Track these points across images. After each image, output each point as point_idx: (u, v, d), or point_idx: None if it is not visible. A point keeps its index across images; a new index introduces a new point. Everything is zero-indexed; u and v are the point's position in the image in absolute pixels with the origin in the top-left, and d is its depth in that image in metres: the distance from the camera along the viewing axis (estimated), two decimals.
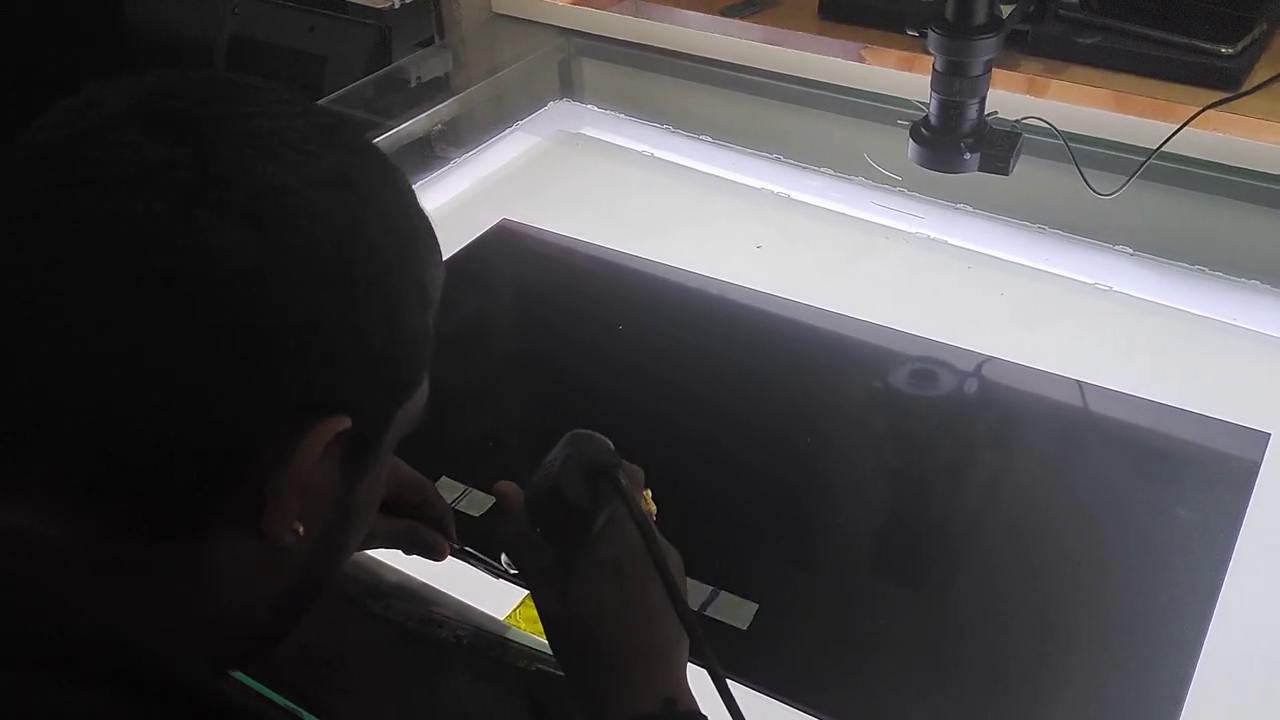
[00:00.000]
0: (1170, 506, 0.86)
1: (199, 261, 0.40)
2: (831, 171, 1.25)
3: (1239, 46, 1.05)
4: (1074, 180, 1.02)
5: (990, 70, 0.91)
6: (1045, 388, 0.99)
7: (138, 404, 0.41)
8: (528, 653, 0.72)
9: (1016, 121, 0.97)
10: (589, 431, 0.61)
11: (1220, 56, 1.05)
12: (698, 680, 0.60)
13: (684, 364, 1.03)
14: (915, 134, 0.96)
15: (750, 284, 1.11)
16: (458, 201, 1.25)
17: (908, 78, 1.16)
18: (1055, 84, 1.09)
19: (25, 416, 0.41)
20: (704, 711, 0.59)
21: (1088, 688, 0.74)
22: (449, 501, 0.73)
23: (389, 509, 0.66)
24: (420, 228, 0.49)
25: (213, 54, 1.65)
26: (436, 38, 1.50)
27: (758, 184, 1.25)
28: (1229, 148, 1.06)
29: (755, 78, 1.32)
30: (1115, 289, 1.08)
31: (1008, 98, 1.05)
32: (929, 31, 0.90)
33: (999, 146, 0.94)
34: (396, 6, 1.50)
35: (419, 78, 1.43)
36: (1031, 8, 1.09)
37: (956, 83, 0.91)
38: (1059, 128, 0.99)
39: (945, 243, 1.15)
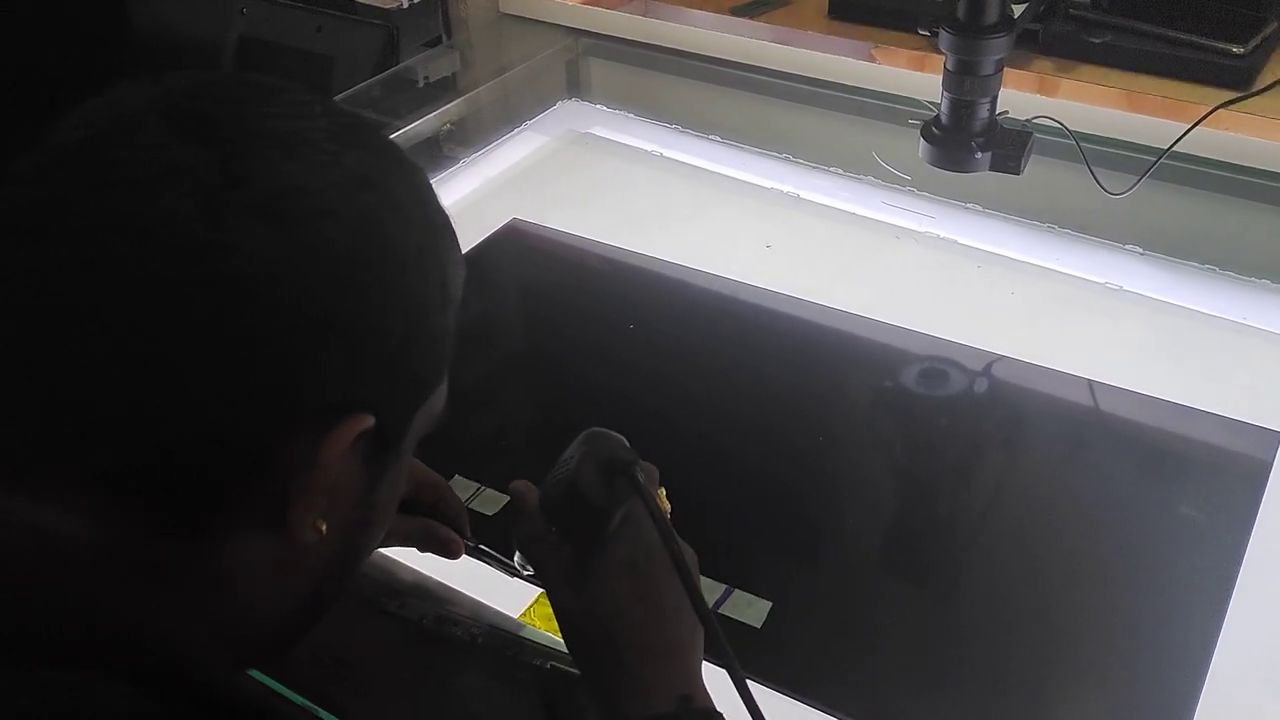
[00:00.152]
0: (1181, 506, 0.86)
1: (223, 261, 0.40)
2: (841, 171, 1.25)
3: (1250, 46, 1.05)
4: (1084, 179, 1.02)
5: (1002, 69, 0.91)
6: (1055, 387, 0.99)
7: (161, 403, 0.41)
8: (543, 651, 0.72)
9: (1027, 121, 0.97)
10: (605, 430, 0.61)
11: (1231, 56, 1.05)
12: (712, 677, 0.60)
13: (694, 363, 1.03)
14: (926, 133, 0.96)
15: (760, 283, 1.11)
16: (467, 201, 1.25)
17: (918, 77, 1.16)
18: (1066, 83, 1.09)
19: (50, 416, 0.42)
20: (719, 709, 0.59)
21: (1100, 688, 0.74)
22: (463, 500, 0.73)
23: (404, 508, 0.67)
24: (440, 226, 0.49)
25: (220, 55, 1.65)
26: (444, 38, 1.50)
27: (767, 183, 1.25)
28: (1240, 147, 1.06)
29: (765, 77, 1.33)
30: (1126, 288, 1.08)
31: (1019, 97, 1.05)
32: (940, 31, 0.90)
33: (1010, 146, 0.94)
34: (404, 7, 1.50)
35: (427, 78, 1.43)
36: (1043, 7, 1.09)
37: (968, 82, 0.91)
38: (1070, 127, 0.99)
39: (955, 242, 1.15)
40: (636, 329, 1.07)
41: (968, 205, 1.18)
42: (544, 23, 1.46)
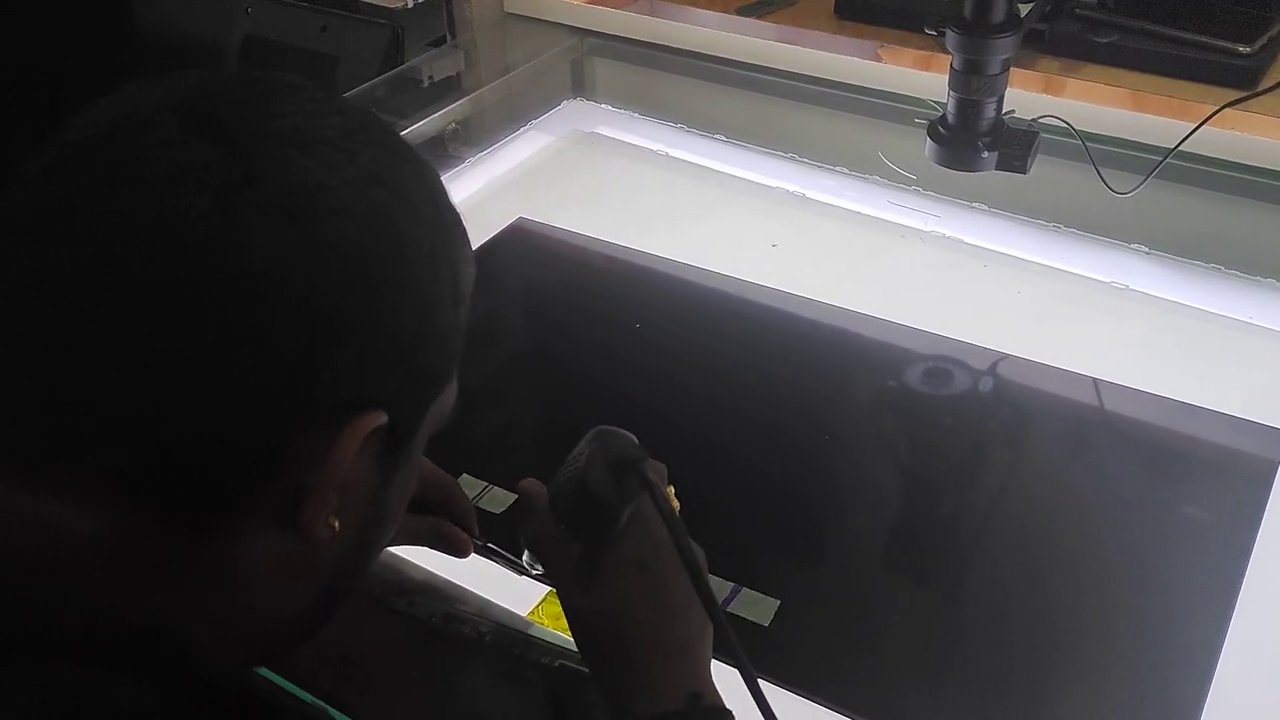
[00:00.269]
0: (1187, 505, 0.86)
1: (236, 259, 0.41)
2: (847, 170, 1.25)
3: (1256, 45, 1.05)
4: (1090, 179, 1.02)
5: (1008, 69, 0.91)
6: (1061, 386, 0.99)
7: (173, 401, 0.41)
8: (551, 649, 0.72)
9: (1033, 120, 0.97)
10: (613, 427, 0.62)
11: (1238, 55, 1.05)
12: (721, 674, 0.60)
13: (700, 362, 1.03)
14: (933, 132, 0.96)
15: (766, 282, 1.11)
16: (472, 201, 1.25)
17: (924, 77, 1.16)
18: (1072, 83, 1.09)
19: (60, 415, 0.42)
20: (728, 706, 0.59)
21: (1106, 688, 0.74)
22: (470, 498, 0.73)
23: (413, 506, 0.66)
24: (452, 224, 0.49)
25: (225, 55, 1.65)
26: (449, 37, 1.50)
27: (773, 183, 1.25)
28: (1246, 146, 1.06)
29: (770, 77, 1.33)
30: (1132, 288, 1.08)
31: (1025, 96, 1.05)
32: (947, 30, 0.90)
33: (1017, 145, 0.94)
34: (409, 6, 1.50)
35: (431, 77, 1.43)
36: (1049, 7, 1.09)
37: (974, 81, 0.91)
38: (1076, 126, 0.99)
39: (961, 241, 1.15)
40: (642, 328, 1.07)
41: (974, 205, 1.18)
42: (549, 22, 1.47)
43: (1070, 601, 0.79)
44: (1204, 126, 1.01)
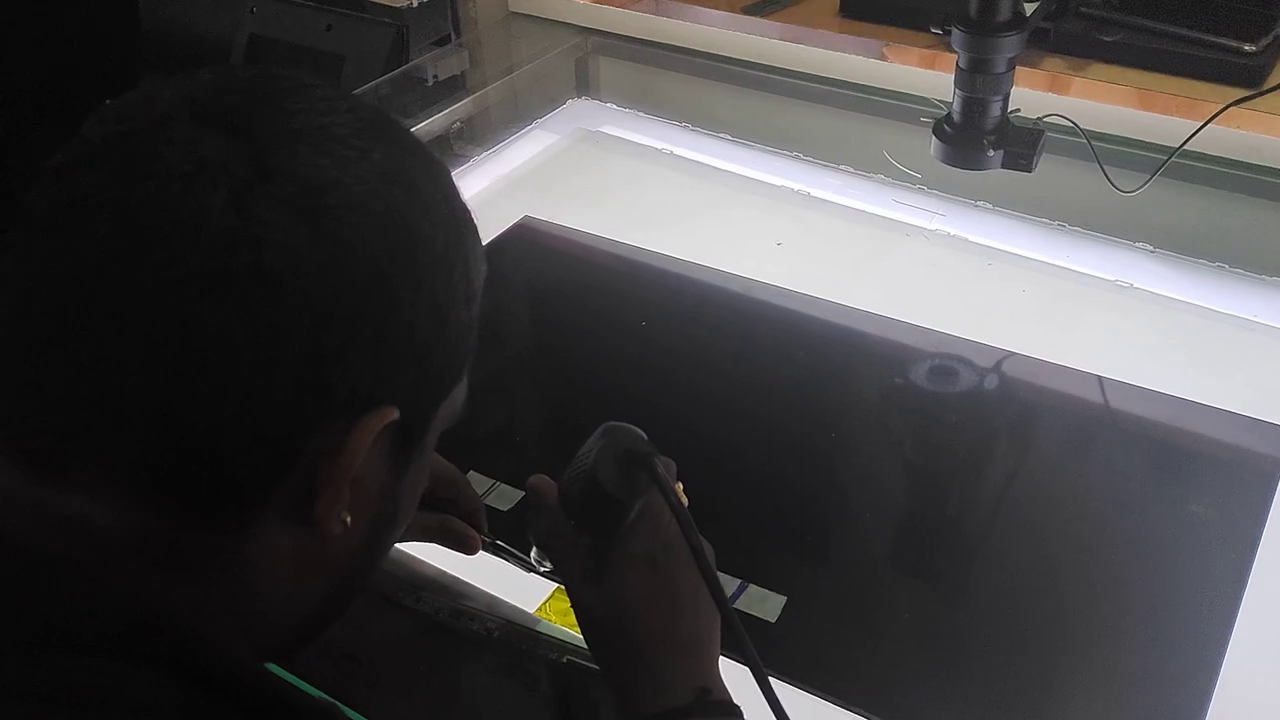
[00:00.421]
0: (1192, 503, 0.86)
1: (251, 255, 0.41)
2: (852, 169, 1.25)
3: (1261, 44, 1.05)
4: (1095, 177, 1.02)
5: (1014, 67, 0.92)
6: (1066, 384, 0.99)
7: (190, 396, 0.41)
8: (558, 645, 0.72)
9: (1038, 119, 0.97)
10: (623, 423, 0.62)
11: (1242, 54, 1.05)
12: (728, 670, 0.61)
13: (705, 360, 1.03)
14: (938, 131, 0.96)
15: (770, 280, 1.11)
16: (478, 200, 1.25)
17: (929, 76, 1.16)
18: (1077, 81, 1.09)
19: (80, 409, 0.42)
20: (736, 701, 0.59)
21: (1113, 685, 0.74)
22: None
23: (423, 503, 0.66)
24: (464, 221, 0.49)
25: (230, 53, 1.66)
26: (453, 36, 1.51)
27: (778, 181, 1.26)
28: (1250, 145, 1.06)
29: (775, 76, 1.33)
30: (1136, 286, 1.08)
31: (1030, 95, 1.06)
32: (952, 29, 0.90)
33: (1022, 144, 0.94)
34: (414, 5, 1.50)
35: (436, 76, 1.44)
36: (1054, 5, 1.09)
37: (980, 80, 0.91)
38: (1081, 125, 1.00)
39: (966, 240, 1.16)
40: (647, 326, 1.07)
41: (978, 203, 1.18)
42: (553, 21, 1.47)
43: (1076, 598, 0.80)
44: (1209, 125, 1.02)
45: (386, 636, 0.75)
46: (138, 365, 0.41)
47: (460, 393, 0.51)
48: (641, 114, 1.39)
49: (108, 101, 0.46)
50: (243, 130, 0.43)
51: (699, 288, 1.12)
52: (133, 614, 0.43)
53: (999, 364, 1.02)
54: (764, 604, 0.78)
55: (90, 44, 1.78)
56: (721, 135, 1.33)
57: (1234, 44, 1.06)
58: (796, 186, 1.25)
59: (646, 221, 1.21)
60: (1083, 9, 1.12)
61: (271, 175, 0.42)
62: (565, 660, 0.72)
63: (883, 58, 1.20)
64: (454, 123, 1.38)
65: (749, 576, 0.80)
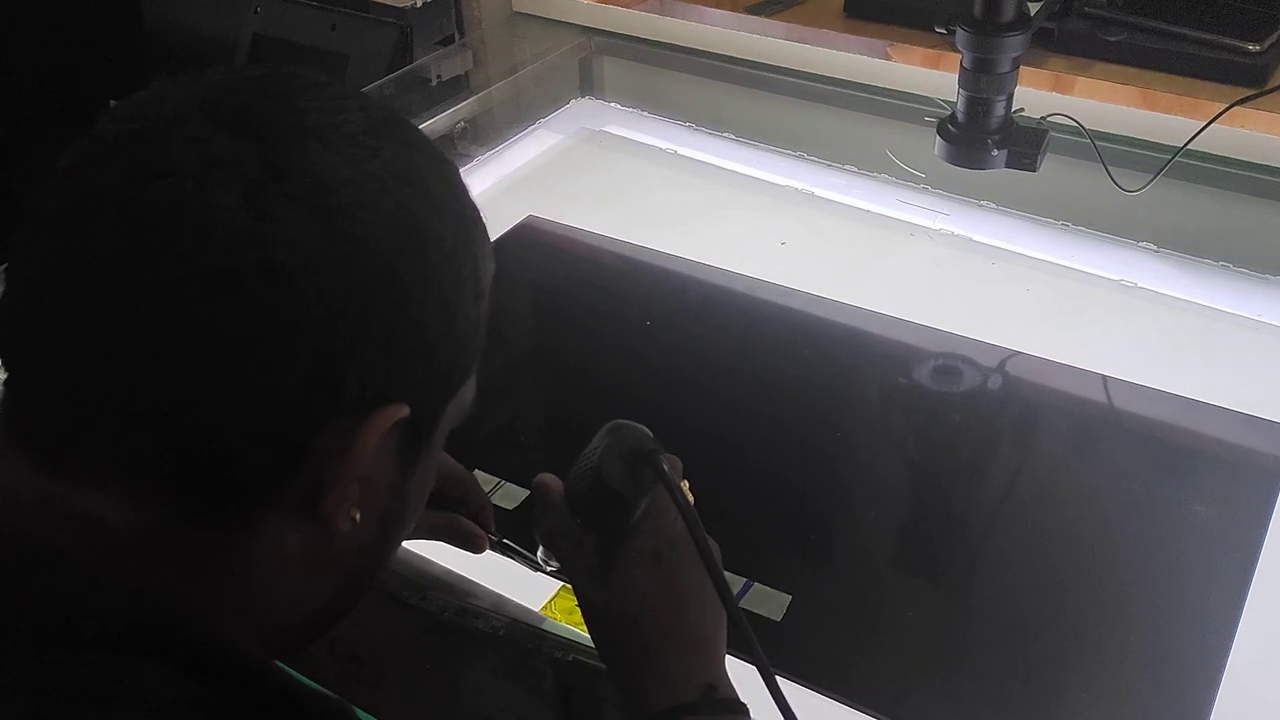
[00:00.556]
0: (1196, 502, 0.86)
1: (263, 252, 0.41)
2: (856, 169, 1.25)
3: (1266, 44, 1.05)
4: (1099, 177, 1.02)
5: (1018, 67, 0.92)
6: (1070, 383, 0.99)
7: (201, 392, 0.41)
8: (564, 644, 0.72)
9: (1042, 118, 0.97)
10: (628, 421, 0.62)
11: (1246, 54, 1.05)
12: (734, 666, 0.61)
13: (709, 359, 1.03)
14: (943, 130, 0.96)
15: (774, 280, 1.11)
16: (482, 199, 1.22)
17: (933, 75, 1.16)
18: (1081, 81, 1.09)
19: (91, 406, 0.42)
20: (742, 699, 0.59)
21: (1117, 684, 0.74)
22: None
23: (430, 501, 0.67)
24: (473, 219, 0.49)
25: (234, 53, 1.66)
26: (457, 36, 1.51)
27: (781, 181, 1.26)
28: (1255, 145, 1.06)
29: (779, 76, 1.33)
30: (1140, 285, 1.08)
31: (1034, 95, 1.06)
32: (957, 29, 0.91)
33: (1026, 143, 0.94)
34: (417, 5, 1.50)
35: (439, 76, 1.44)
36: (1058, 5, 1.09)
37: (984, 80, 0.92)
38: (1085, 125, 1.00)
39: (970, 239, 1.16)
40: (652, 325, 1.08)
41: (982, 203, 1.18)
42: (557, 21, 1.47)
43: (1080, 598, 0.80)
44: (1213, 125, 1.02)
45: (391, 635, 0.75)
46: (147, 363, 0.41)
47: (468, 391, 0.51)
48: (645, 114, 1.40)
49: (112, 101, 0.46)
50: (254, 128, 0.43)
51: (703, 287, 1.13)
52: (142, 610, 0.43)
53: (1003, 363, 1.02)
54: (769, 603, 0.78)
55: (93, 44, 1.79)
56: (725, 135, 1.33)
57: (1238, 44, 1.06)
58: (800, 186, 1.25)
59: (650, 221, 1.21)
60: (1087, 9, 1.12)
61: (283, 173, 0.42)
62: (571, 658, 0.72)
63: (887, 57, 1.20)
64: (458, 123, 1.38)
65: (753, 575, 0.80)
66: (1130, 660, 0.76)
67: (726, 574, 0.59)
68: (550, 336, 1.11)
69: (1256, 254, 1.09)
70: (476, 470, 0.88)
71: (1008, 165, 0.95)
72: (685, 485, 0.63)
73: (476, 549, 0.71)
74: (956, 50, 0.92)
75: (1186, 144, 1.02)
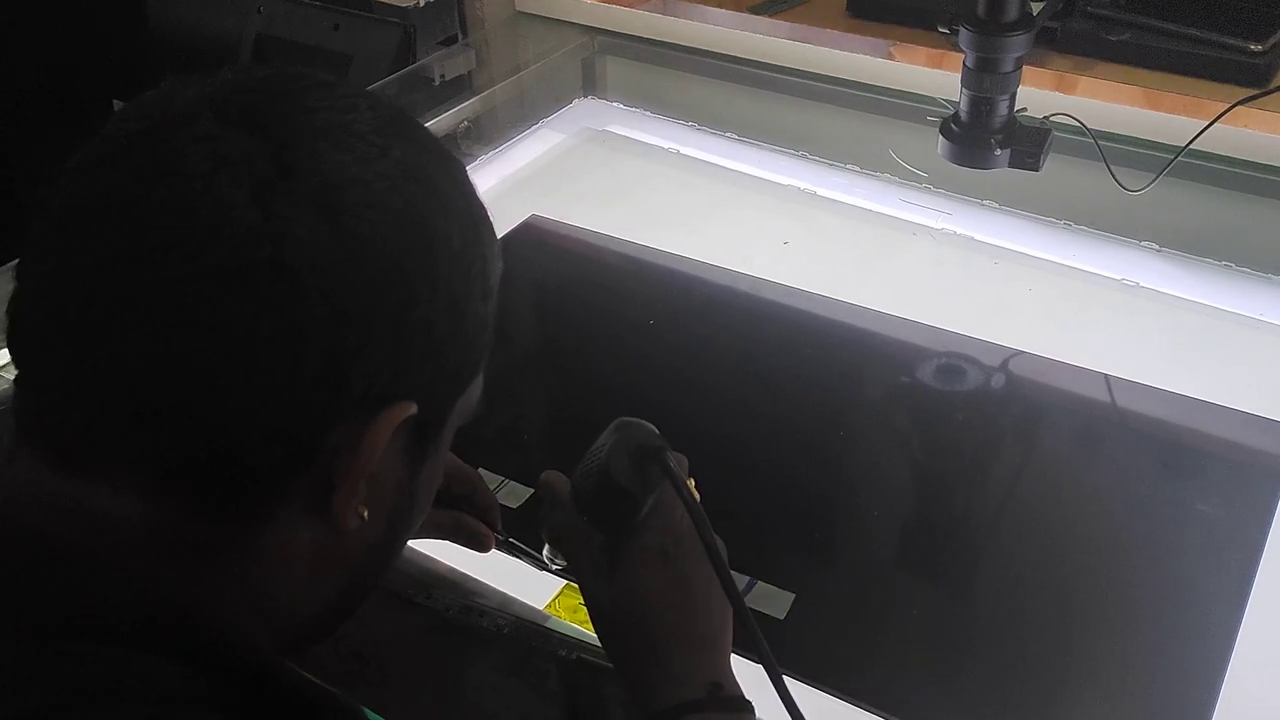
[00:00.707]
0: (1200, 501, 0.87)
1: (273, 250, 0.41)
2: (858, 168, 1.25)
3: (1268, 43, 1.05)
4: (1102, 176, 1.02)
5: (1021, 67, 0.92)
6: (1072, 382, 0.99)
7: (210, 389, 0.42)
8: (568, 641, 0.72)
9: (1045, 118, 0.97)
10: (635, 419, 0.62)
11: (1249, 53, 1.05)
12: (739, 664, 0.61)
13: (712, 359, 1.04)
14: (946, 130, 0.96)
15: (777, 279, 1.12)
16: (485, 199, 1.22)
17: (936, 75, 1.16)
18: (1084, 81, 1.10)
19: (101, 402, 0.42)
20: (747, 696, 0.59)
21: (1119, 684, 0.74)
22: None
23: (436, 500, 0.67)
24: (481, 218, 0.50)
25: (238, 52, 1.66)
26: (460, 36, 1.51)
27: (785, 180, 1.26)
28: (1257, 144, 1.07)
29: (782, 75, 1.33)
30: (1142, 285, 1.09)
31: (1037, 94, 1.06)
32: (960, 29, 0.91)
33: (1029, 143, 0.95)
34: (420, 5, 1.50)
35: (443, 76, 1.44)
36: (1061, 5, 1.10)
37: (987, 79, 0.92)
38: (1088, 124, 1.00)
39: (972, 239, 1.16)
40: (655, 325, 1.08)
41: (985, 202, 1.18)
42: (560, 20, 1.47)
43: (1083, 597, 0.80)
44: (1216, 124, 1.02)
45: (395, 633, 0.75)
46: (156, 360, 0.41)
47: (476, 389, 0.52)
48: (648, 113, 1.40)
49: (116, 101, 0.46)
50: (264, 128, 0.43)
51: (706, 287, 1.13)
52: (152, 606, 0.43)
53: (1005, 363, 1.02)
54: (773, 601, 0.78)
55: (96, 43, 1.79)
56: (728, 135, 1.33)
57: (1241, 43, 1.06)
58: (803, 186, 1.25)
59: (653, 220, 1.21)
60: (1089, 8, 1.12)
61: (293, 172, 0.42)
62: (575, 657, 0.72)
63: (890, 57, 1.20)
64: (461, 122, 1.38)
65: (757, 573, 0.80)
66: (1133, 659, 0.76)
67: (730, 571, 0.59)
68: (553, 336, 1.11)
69: (1259, 253, 1.09)
70: (481, 469, 0.88)
71: (1010, 165, 0.95)
72: (691, 483, 0.64)
73: (483, 548, 0.71)
74: (959, 50, 0.93)
75: (1189, 144, 1.02)
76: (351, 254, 0.43)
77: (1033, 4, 0.92)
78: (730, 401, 0.98)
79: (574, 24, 1.47)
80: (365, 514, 0.47)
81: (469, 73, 1.47)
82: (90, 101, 1.70)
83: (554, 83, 1.47)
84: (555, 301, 1.15)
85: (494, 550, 0.72)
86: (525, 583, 0.77)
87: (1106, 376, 0.99)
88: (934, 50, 1.16)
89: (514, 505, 0.85)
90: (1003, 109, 0.93)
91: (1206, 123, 1.02)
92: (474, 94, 1.42)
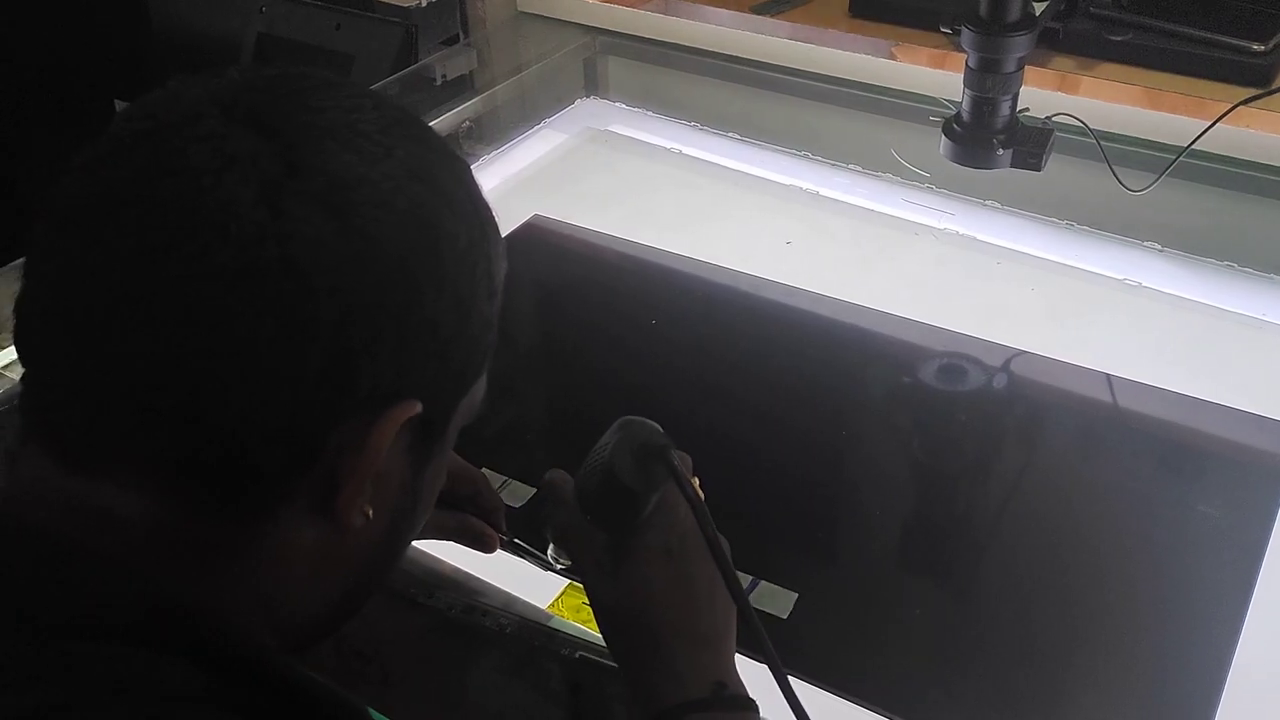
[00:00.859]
0: (1201, 501, 0.87)
1: (280, 249, 0.41)
2: (860, 168, 1.25)
3: (1270, 44, 1.05)
4: (1104, 177, 1.02)
5: (1023, 67, 0.92)
6: (1075, 382, 0.99)
7: (218, 389, 0.42)
8: (571, 641, 0.72)
9: (1048, 118, 0.97)
10: (639, 417, 0.62)
11: (1251, 53, 1.05)
12: (742, 663, 0.61)
13: (715, 358, 1.04)
14: (948, 130, 0.96)
15: (780, 279, 1.12)
16: (487, 199, 1.25)
17: (938, 75, 1.16)
18: (1086, 81, 1.10)
19: (108, 399, 0.42)
20: (752, 695, 0.59)
21: (1122, 683, 0.74)
22: None
23: (440, 500, 0.67)
24: (486, 219, 0.50)
25: (239, 52, 1.66)
26: (461, 36, 1.51)
27: (787, 180, 1.26)
28: (1259, 144, 1.07)
29: (785, 75, 1.33)
30: (1145, 285, 1.09)
31: (1039, 94, 1.06)
32: (962, 29, 0.91)
33: (1032, 143, 0.95)
34: (422, 5, 1.50)
35: (444, 76, 1.44)
36: (1063, 5, 1.10)
37: (990, 79, 0.92)
38: (1090, 124, 1.00)
39: (974, 239, 1.16)
40: (657, 324, 1.08)
41: (987, 202, 1.18)
42: (562, 20, 1.47)
43: (1085, 597, 0.80)
44: (1218, 124, 1.02)
45: (398, 633, 0.75)
46: (161, 359, 0.42)
47: (480, 389, 0.52)
48: (650, 113, 1.40)
49: (118, 101, 0.46)
50: (271, 127, 0.43)
51: (708, 286, 1.13)
52: (157, 603, 0.43)
53: (1008, 362, 1.02)
54: (775, 600, 0.78)
55: (99, 43, 1.79)
56: (730, 134, 1.33)
57: (1243, 44, 1.06)
58: (806, 186, 1.25)
59: (656, 220, 1.21)
60: (1092, 9, 1.12)
61: (300, 171, 0.42)
62: (578, 656, 0.72)
63: (892, 57, 1.20)
64: (463, 122, 1.38)
65: (760, 573, 0.80)
66: (1136, 659, 0.76)
67: None
68: (556, 335, 1.11)
69: (1261, 253, 1.09)
70: (483, 469, 0.88)
71: (1013, 165, 0.96)
72: (695, 482, 0.64)
73: (487, 549, 0.71)
74: (962, 50, 0.93)
75: (1191, 144, 1.02)
76: (359, 253, 0.43)
77: (1035, 4, 0.92)
78: (732, 401, 0.98)
79: (576, 24, 1.47)
80: (370, 513, 0.47)
81: (471, 73, 1.47)
82: (92, 101, 1.70)
83: (556, 83, 1.47)
84: (558, 301, 1.15)
85: (498, 550, 0.72)
86: (528, 582, 0.77)
87: (1109, 376, 0.99)
88: (936, 50, 1.16)
89: (516, 505, 0.85)
90: (1005, 109, 0.93)
91: (1209, 123, 1.02)
92: (476, 94, 1.42)
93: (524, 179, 1.31)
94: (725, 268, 1.14)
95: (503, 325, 0.52)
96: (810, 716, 0.55)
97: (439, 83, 1.43)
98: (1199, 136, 1.02)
